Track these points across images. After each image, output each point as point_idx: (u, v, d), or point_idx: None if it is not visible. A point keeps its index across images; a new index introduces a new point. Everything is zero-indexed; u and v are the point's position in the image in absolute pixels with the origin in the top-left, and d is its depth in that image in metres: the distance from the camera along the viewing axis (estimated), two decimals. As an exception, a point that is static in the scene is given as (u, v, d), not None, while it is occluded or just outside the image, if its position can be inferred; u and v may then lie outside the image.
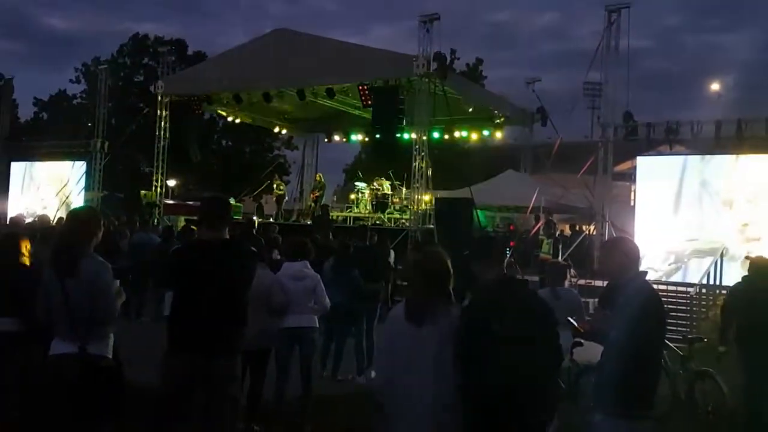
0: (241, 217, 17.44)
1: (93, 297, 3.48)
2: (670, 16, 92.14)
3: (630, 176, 18.43)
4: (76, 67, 40.40)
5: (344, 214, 17.77)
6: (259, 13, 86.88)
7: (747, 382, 5.34)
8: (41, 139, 23.45)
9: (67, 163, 20.62)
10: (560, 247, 15.12)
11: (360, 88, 15.67)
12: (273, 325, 5.39)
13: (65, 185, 19.86)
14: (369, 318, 7.48)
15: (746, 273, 6.12)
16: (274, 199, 19.43)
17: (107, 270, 3.61)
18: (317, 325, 5.81)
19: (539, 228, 16.48)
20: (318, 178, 19.51)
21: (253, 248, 4.81)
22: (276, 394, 5.51)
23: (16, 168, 22.25)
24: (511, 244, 15.83)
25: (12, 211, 18.91)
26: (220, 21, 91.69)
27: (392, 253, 12.04)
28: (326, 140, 23.20)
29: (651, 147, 15.89)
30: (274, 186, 19.76)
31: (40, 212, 15.42)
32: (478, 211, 15.72)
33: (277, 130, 24.00)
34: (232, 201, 20.39)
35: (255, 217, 17.97)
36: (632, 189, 15.72)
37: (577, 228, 17.73)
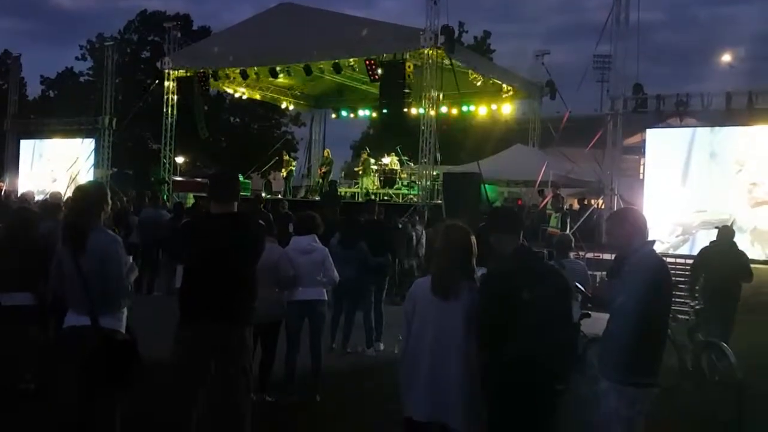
0: (249, 194, 17.50)
1: (104, 269, 3.52)
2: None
3: (639, 149, 18.28)
4: (81, 44, 40.28)
5: (352, 189, 17.79)
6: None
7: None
8: (49, 117, 23.50)
9: (76, 140, 20.69)
10: (568, 221, 15.09)
11: (367, 62, 15.55)
12: (283, 297, 5.46)
13: (75, 162, 19.95)
14: (378, 291, 7.54)
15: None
16: (284, 175, 19.44)
17: (118, 243, 3.65)
18: (326, 298, 5.87)
19: (547, 202, 16.44)
20: (326, 154, 19.50)
21: (261, 222, 4.87)
22: (287, 365, 5.59)
23: (25, 145, 22.36)
24: (521, 218, 15.81)
25: (22, 188, 19.05)
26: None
27: (422, 231, 11.62)
28: (333, 116, 23.13)
29: (661, 119, 15.74)
30: (284, 161, 19.77)
31: (50, 189, 15.53)
32: (486, 185, 15.70)
33: (284, 105, 23.92)
34: (240, 177, 20.48)
35: (263, 193, 18.05)
36: (641, 162, 15.61)
37: (586, 202, 17.65)
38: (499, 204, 17.92)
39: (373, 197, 16.39)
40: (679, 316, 6.27)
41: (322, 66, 17.28)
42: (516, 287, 3.04)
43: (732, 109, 13.98)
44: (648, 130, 15.23)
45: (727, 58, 31.08)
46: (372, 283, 7.39)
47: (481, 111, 20.49)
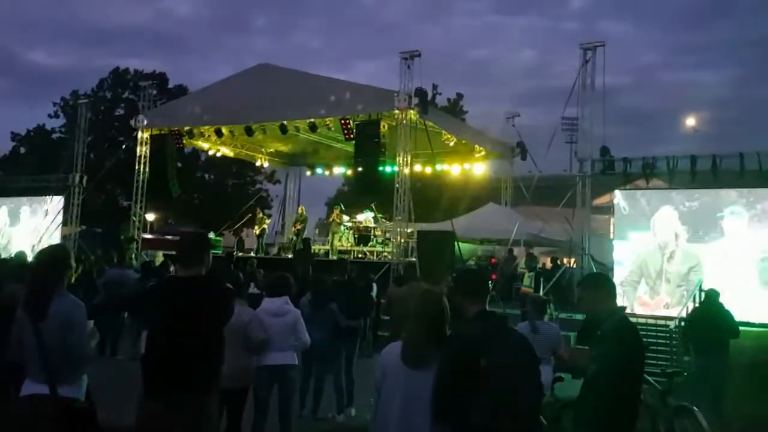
0: (221, 251, 17.30)
1: (65, 337, 3.42)
2: (645, 54, 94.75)
3: (609, 209, 18.67)
4: (54, 101, 40.23)
5: (325, 247, 17.71)
6: (243, 50, 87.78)
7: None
8: (19, 174, 23.20)
9: (45, 198, 20.38)
10: (541, 280, 15.18)
11: (342, 121, 15.80)
12: (251, 362, 5.30)
13: (44, 220, 19.58)
14: (348, 354, 7.39)
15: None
16: (257, 232, 19.32)
17: (80, 309, 3.55)
18: (297, 362, 5.73)
19: (519, 262, 16.58)
20: (300, 211, 19.49)
21: (230, 284, 4.77)
22: (254, 432, 5.38)
23: (-8, 202, 21.92)
24: (493, 276, 15.88)
25: (-14, 246, 18.57)
26: (204, 57, 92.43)
27: (374, 286, 12.02)
28: (308, 173, 23.26)
29: (628, 181, 16.14)
30: (257, 219, 19.68)
31: (15, 249, 15.16)
32: (460, 243, 15.78)
33: (259, 163, 24.02)
34: (211, 235, 20.28)
35: (235, 251, 17.86)
36: (611, 222, 15.90)
37: (558, 261, 17.83)
38: (473, 262, 18.02)
39: (346, 255, 16.36)
40: (650, 379, 6.24)
41: (297, 125, 17.49)
42: (475, 353, 2.98)
43: (696, 172, 14.42)
44: (616, 191, 15.59)
45: (691, 121, 32.39)
46: (342, 346, 7.26)
47: (454, 170, 20.84)
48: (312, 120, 16.50)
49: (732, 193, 13.81)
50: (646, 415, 5.68)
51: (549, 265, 18.00)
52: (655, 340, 10.03)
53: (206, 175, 39.53)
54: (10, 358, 3.71)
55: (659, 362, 8.63)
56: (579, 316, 10.20)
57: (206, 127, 18.43)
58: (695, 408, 5.46)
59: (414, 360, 3.13)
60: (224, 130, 18.24)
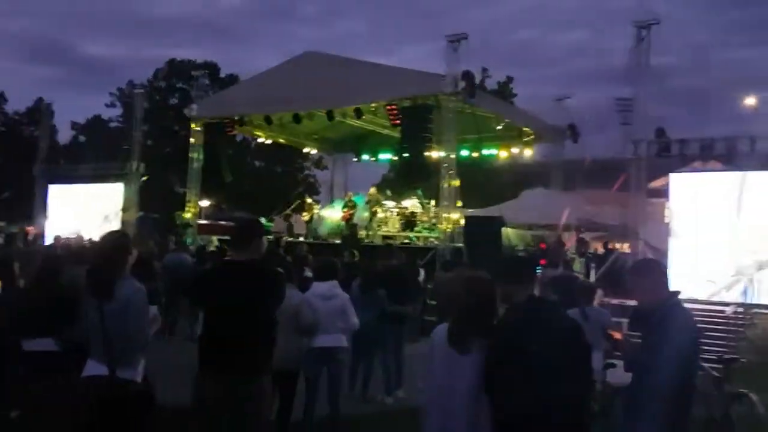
0: (271, 236, 17.64)
1: (127, 321, 3.55)
2: (698, 33, 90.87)
3: (664, 193, 18.13)
4: (110, 92, 41.63)
5: (373, 232, 17.82)
6: (290, 38, 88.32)
7: None
8: (79, 162, 24.16)
9: (105, 185, 21.16)
10: (592, 265, 14.90)
11: (388, 107, 15.80)
12: (302, 345, 5.44)
13: (103, 207, 20.37)
14: (396, 338, 7.47)
15: None
16: (306, 218, 19.60)
17: (142, 294, 3.68)
18: (346, 345, 5.84)
19: (569, 247, 16.30)
20: (348, 197, 19.62)
21: (280, 268, 4.90)
22: (305, 414, 5.53)
23: (55, 190, 22.90)
24: (542, 262, 15.67)
25: (51, 232, 19.45)
26: (253, 46, 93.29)
27: (422, 272, 12.07)
28: (355, 159, 23.41)
29: (684, 163, 15.60)
30: (306, 204, 19.98)
31: (76, 234, 15.83)
32: (509, 229, 15.63)
33: (306, 150, 24.30)
34: (262, 220, 20.68)
35: (285, 236, 18.17)
36: (666, 206, 15.40)
37: (610, 246, 17.43)
38: (521, 248, 17.80)
39: (392, 241, 16.43)
40: (706, 366, 6.09)
41: (344, 111, 17.60)
42: (523, 339, 2.97)
43: (757, 153, 13.82)
44: (672, 174, 15.10)
45: (749, 101, 30.90)
46: (391, 330, 7.34)
47: (502, 155, 20.58)
48: (358, 106, 16.56)
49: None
50: (701, 403, 5.57)
51: (601, 250, 17.62)
52: (710, 326, 9.74)
53: (256, 162, 40.23)
54: (78, 339, 3.91)
55: (714, 348, 8.37)
56: (632, 302, 10.00)
57: (256, 115, 18.76)
58: (752, 394, 5.31)
59: (459, 345, 3.14)
60: (273, 117, 18.52)
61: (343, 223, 17.86)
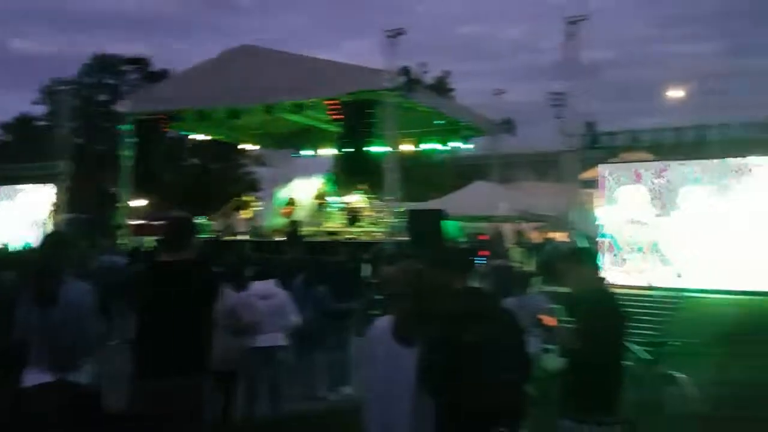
0: (210, 235, 17.28)
1: (77, 323, 3.41)
2: (629, 27, 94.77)
3: (596, 183, 18.81)
4: (37, 89, 39.64)
5: (316, 229, 17.71)
6: (229, 32, 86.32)
7: None
8: (5, 163, 22.93)
9: (34, 186, 20.18)
10: (530, 255, 15.31)
11: (328, 103, 15.71)
12: (241, 345, 5.35)
13: (33, 209, 19.43)
14: (341, 335, 7.44)
15: None
16: (246, 216, 19.28)
17: (89, 295, 3.55)
18: (285, 344, 5.79)
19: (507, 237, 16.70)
20: (289, 194, 19.41)
21: (218, 268, 4.80)
22: (246, 414, 5.45)
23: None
24: (483, 253, 15.97)
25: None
26: (191, 40, 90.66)
27: (366, 266, 12.04)
28: (296, 155, 23.16)
29: (614, 155, 16.22)
30: (246, 202, 19.64)
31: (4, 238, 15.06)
32: (450, 221, 15.85)
33: (245, 146, 23.87)
34: (200, 220, 20.19)
35: (224, 235, 17.84)
36: (598, 196, 15.99)
37: (547, 235, 17.97)
38: (463, 240, 18.10)
39: (336, 237, 16.38)
40: (637, 349, 6.35)
41: (282, 106, 17.39)
42: (460, 329, 3.02)
43: (681, 144, 14.51)
44: (600, 165, 15.67)
45: (678, 93, 32.38)
46: (335, 327, 7.31)
47: (442, 148, 20.81)
48: (297, 101, 16.39)
49: (715, 163, 13.92)
50: (633, 385, 5.80)
51: (539, 240, 18.13)
52: (642, 311, 10.16)
53: (193, 160, 39.28)
54: (12, 344, 3.70)
55: (646, 331, 8.73)
56: (567, 289, 10.31)
57: (190, 111, 18.27)
58: (682, 375, 5.56)
59: (402, 337, 3.16)
60: (208, 113, 18.09)
61: (285, 219, 17.66)
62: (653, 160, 15.27)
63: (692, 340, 8.00)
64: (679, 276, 12.74)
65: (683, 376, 5.60)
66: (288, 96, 16.38)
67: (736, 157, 13.90)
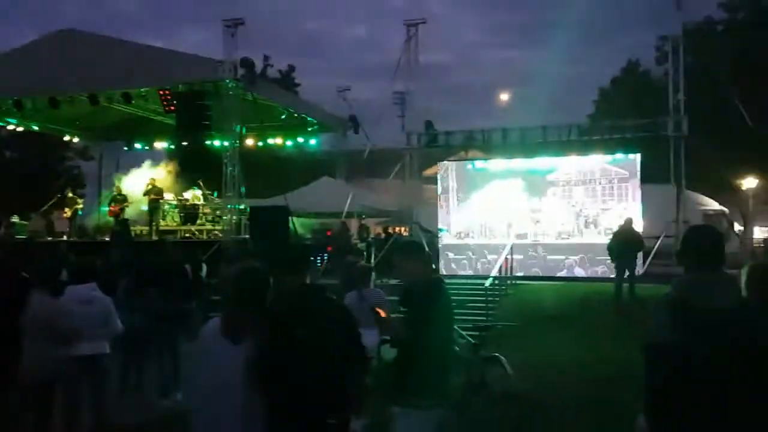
0: (26, 236, 15.60)
1: None
2: (465, 34, 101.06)
3: (435, 180, 19.80)
4: None
5: (148, 228, 16.66)
6: (51, 15, 77.95)
7: None
8: None
9: None
10: (373, 250, 15.69)
11: (160, 92, 14.84)
12: (58, 354, 4.87)
13: None
14: (172, 339, 7.07)
15: None
16: (68, 214, 17.59)
17: None
18: (108, 351, 5.38)
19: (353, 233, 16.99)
20: (118, 190, 18.03)
21: (31, 272, 4.33)
22: (66, 428, 4.99)
23: None
24: (329, 249, 16.07)
25: None
26: (9, 23, 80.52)
27: (204, 267, 11.64)
28: (126, 148, 21.57)
29: (451, 153, 17.20)
30: (68, 199, 17.91)
31: None
32: (295, 218, 15.73)
33: (68, 138, 21.79)
34: (15, 219, 18.14)
35: (44, 236, 16.21)
36: (437, 192, 16.85)
37: (391, 230, 18.53)
38: (307, 237, 18.07)
39: (171, 236, 15.55)
40: (465, 334, 6.76)
41: (110, 95, 16.13)
42: (289, 326, 3.01)
43: (508, 144, 15.76)
44: (440, 163, 16.53)
45: (505, 96, 35.05)
46: (166, 331, 6.93)
47: (286, 144, 20.62)
48: (126, 90, 15.30)
49: (539, 160, 15.31)
50: (460, 368, 6.16)
51: (382, 235, 18.64)
52: (471, 298, 10.85)
53: (7, 153, 35.22)
54: None
55: (474, 318, 9.33)
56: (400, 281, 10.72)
57: (4, 99, 16.32)
58: (503, 358, 6.00)
59: (233, 335, 3.08)
60: (25, 102, 16.29)
61: (111, 218, 16.42)
62: (485, 158, 16.50)
63: (513, 323, 8.73)
64: (492, 263, 13.99)
65: (502, 357, 6.02)
66: (115, 85, 15.22)
67: (554, 156, 15.48)
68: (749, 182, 24.08)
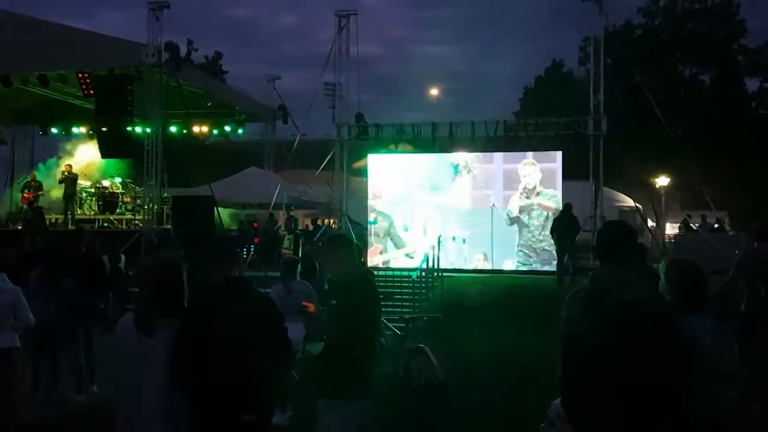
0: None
1: None
2: (399, 27, 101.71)
3: (365, 172, 19.83)
4: None
5: (64, 216, 15.84)
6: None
7: None
8: None
9: None
10: (301, 241, 15.57)
11: (79, 75, 14.14)
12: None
13: None
14: (87, 332, 6.78)
15: None
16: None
17: None
18: (19, 344, 5.10)
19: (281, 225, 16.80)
20: (32, 177, 17.06)
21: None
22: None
23: None
24: (255, 241, 15.81)
25: None
26: None
27: (123, 257, 11.24)
28: (41, 133, 20.40)
29: (381, 145, 17.26)
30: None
31: None
32: (221, 209, 15.37)
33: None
34: None
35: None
36: (367, 184, 16.89)
37: (319, 222, 18.42)
38: (234, 228, 17.70)
39: (89, 225, 14.89)
40: (391, 326, 6.83)
41: (24, 77, 15.21)
42: (210, 318, 2.95)
43: (437, 137, 15.98)
44: (369, 155, 16.57)
45: (434, 91, 35.53)
46: (80, 323, 6.64)
47: (213, 132, 20.08)
48: (42, 72, 14.47)
49: (466, 155, 15.64)
50: (386, 359, 6.22)
51: (311, 226, 18.51)
52: (399, 290, 10.97)
53: None
54: None
55: (401, 309, 9.43)
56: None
57: None
58: (427, 348, 6.09)
59: (147, 327, 2.99)
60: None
61: (25, 206, 15.52)
62: (415, 152, 16.67)
63: (438, 315, 8.90)
64: (411, 257, 14.48)
65: (426, 348, 6.12)
66: (31, 66, 14.37)
67: (482, 152, 15.87)
68: (662, 180, 25.61)
